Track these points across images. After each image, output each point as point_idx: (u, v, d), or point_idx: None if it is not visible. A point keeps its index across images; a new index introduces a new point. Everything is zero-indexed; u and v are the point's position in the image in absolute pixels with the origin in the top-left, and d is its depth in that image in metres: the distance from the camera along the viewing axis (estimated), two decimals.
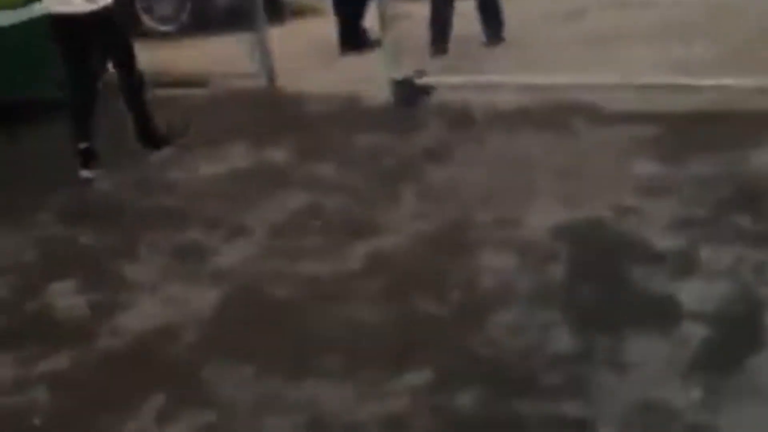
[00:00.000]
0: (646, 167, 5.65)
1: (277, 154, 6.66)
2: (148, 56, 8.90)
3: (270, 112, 7.69)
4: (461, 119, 6.90)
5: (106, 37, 6.66)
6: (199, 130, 7.29)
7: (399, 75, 7.39)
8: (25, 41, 7.58)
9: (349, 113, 7.40)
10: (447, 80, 7.48)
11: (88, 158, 6.63)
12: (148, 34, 10.25)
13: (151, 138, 6.90)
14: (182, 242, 5.48)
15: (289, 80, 8.23)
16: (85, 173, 6.59)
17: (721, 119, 6.16)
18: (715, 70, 6.68)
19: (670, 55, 7.20)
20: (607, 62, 7.05)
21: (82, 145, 6.62)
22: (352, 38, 8.99)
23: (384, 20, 7.41)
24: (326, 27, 10.18)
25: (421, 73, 7.43)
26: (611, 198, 5.30)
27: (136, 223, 5.81)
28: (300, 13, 10.99)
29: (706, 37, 7.67)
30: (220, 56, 8.83)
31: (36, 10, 7.35)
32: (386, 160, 6.35)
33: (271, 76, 8.25)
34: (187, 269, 5.14)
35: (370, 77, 7.75)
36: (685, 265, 4.52)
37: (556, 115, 6.67)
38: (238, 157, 6.71)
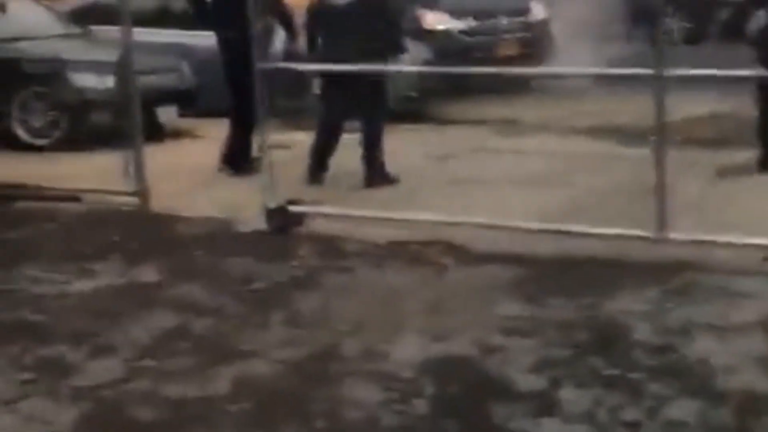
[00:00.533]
0: (510, 307, 5.82)
1: (148, 274, 6.65)
2: (20, 169, 8.92)
3: (143, 231, 7.68)
4: (333, 250, 7.01)
5: None
6: (70, 246, 7.25)
7: (273, 202, 7.49)
8: None
9: (222, 237, 7.45)
10: (320, 210, 7.61)
11: None
12: (22, 147, 10.23)
13: None
14: (45, 357, 5.39)
15: (164, 200, 8.26)
16: None
17: (581, 265, 6.41)
18: (575, 218, 6.98)
19: (537, 200, 7.50)
20: (475, 204, 7.29)
21: None
22: (236, 157, 9.09)
23: (263, 147, 7.53)
24: (203, 149, 10.32)
25: (295, 202, 7.55)
26: (477, 336, 5.43)
27: None
28: (177, 134, 11.09)
29: (568, 186, 8.04)
30: (94, 172, 8.82)
31: None
32: (256, 285, 6.40)
33: (145, 195, 8.26)
34: (49, 385, 5.06)
35: (244, 203, 7.84)
36: (545, 405, 4.65)
37: (425, 252, 6.83)
38: (108, 274, 6.67)
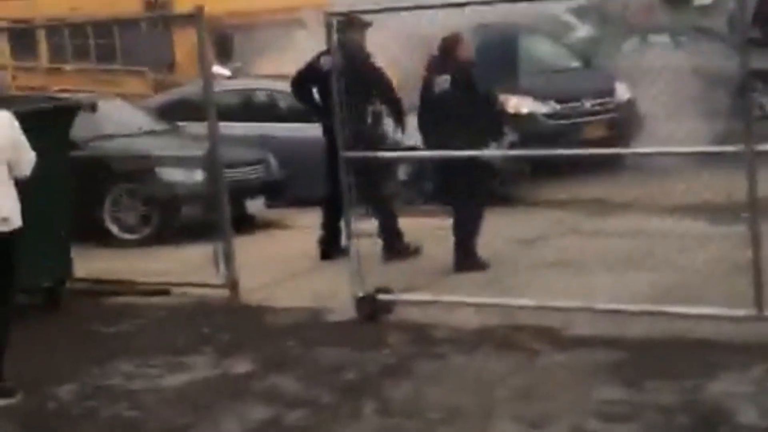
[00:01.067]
0: (607, 392, 5.71)
1: (240, 366, 6.66)
2: (113, 265, 9.05)
3: (233, 323, 7.71)
4: (423, 337, 6.96)
5: (9, 261, 6.31)
6: (162, 340, 7.31)
7: (362, 291, 7.48)
8: None
9: (312, 327, 7.45)
10: (409, 298, 7.57)
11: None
12: (113, 243, 10.39)
13: None
14: None
15: (254, 292, 8.30)
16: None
17: (678, 346, 6.28)
18: (668, 298, 6.85)
19: (629, 282, 7.38)
20: (566, 287, 7.19)
21: None
22: (330, 245, 9.12)
23: (350, 236, 7.55)
24: (291, 239, 10.38)
25: (384, 290, 7.53)
26: (574, 421, 5.32)
27: None
28: (266, 225, 11.18)
29: (660, 266, 7.90)
30: (185, 266, 8.91)
31: None
32: (347, 375, 6.36)
33: (235, 287, 8.31)
34: None
35: (333, 292, 7.84)
36: None
37: (517, 337, 6.75)
38: (200, 367, 6.70)
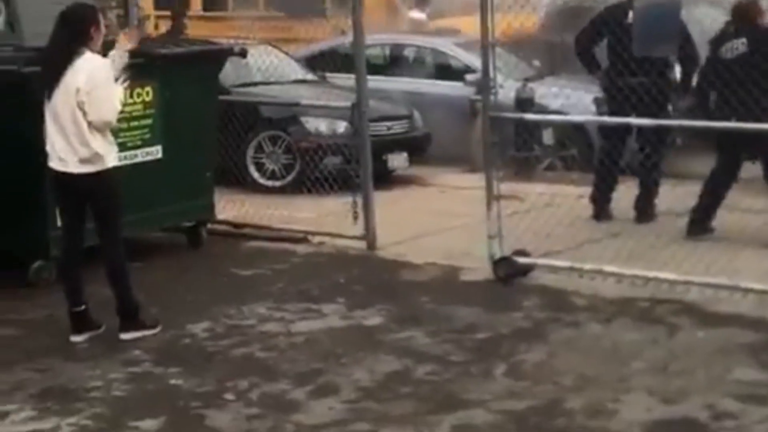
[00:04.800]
0: (746, 372, 5.54)
1: (373, 318, 6.67)
2: (254, 210, 9.16)
3: (368, 275, 7.72)
4: (560, 303, 6.86)
5: (97, 201, 6.27)
6: (298, 286, 7.36)
7: (500, 252, 7.40)
8: None
9: (447, 285, 7.41)
10: (547, 262, 7.46)
11: (77, 322, 6.32)
12: (255, 189, 10.52)
13: (124, 317, 6.33)
14: (271, 394, 5.45)
15: (390, 246, 8.30)
16: (74, 338, 6.29)
17: None
18: None
19: None
20: (713, 263, 6.98)
21: (73, 309, 6.31)
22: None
23: (490, 198, 7.46)
24: (431, 197, 10.34)
25: (522, 253, 7.44)
26: (708, 399, 5.18)
27: (227, 370, 5.81)
28: (407, 181, 11.17)
29: None
30: (324, 216, 8.95)
31: None
32: (479, 335, 6.32)
33: (372, 240, 8.33)
34: (272, 421, 5.10)
35: (470, 251, 7.78)
36: None
37: (657, 310, 6.61)
38: (332, 316, 6.73)
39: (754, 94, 7.64)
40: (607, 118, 9.00)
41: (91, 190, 6.23)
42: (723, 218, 8.15)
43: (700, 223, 8.22)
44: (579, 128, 10.98)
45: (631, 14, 8.53)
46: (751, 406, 5.09)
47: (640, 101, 8.36)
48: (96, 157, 6.14)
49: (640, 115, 8.27)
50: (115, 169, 6.29)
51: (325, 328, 6.54)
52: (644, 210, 8.90)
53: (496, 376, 5.66)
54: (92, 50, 6.16)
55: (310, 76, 12.35)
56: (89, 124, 6.09)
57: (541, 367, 5.78)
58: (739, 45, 8.12)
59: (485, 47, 7.48)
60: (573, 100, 10.52)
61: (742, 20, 8.24)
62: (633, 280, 7.03)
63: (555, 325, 6.45)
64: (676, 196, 8.58)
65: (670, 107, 8.88)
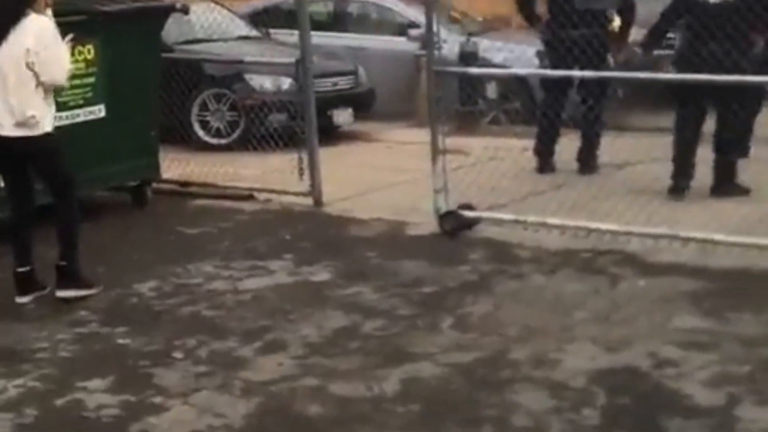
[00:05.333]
0: (688, 320, 5.64)
1: (320, 274, 6.70)
2: (199, 168, 9.14)
3: (315, 231, 7.74)
4: (505, 255, 6.93)
5: (36, 164, 6.22)
6: (244, 244, 7.38)
7: (446, 207, 7.45)
8: None
9: (393, 239, 7.46)
10: (492, 215, 7.53)
11: (23, 283, 6.26)
12: (200, 147, 10.48)
13: (64, 275, 6.26)
14: (219, 352, 5.48)
15: (337, 202, 8.33)
16: (20, 299, 6.24)
17: (766, 279, 6.16)
18: (763, 230, 6.70)
19: (719, 211, 7.25)
20: (654, 214, 7.09)
21: (19, 270, 6.26)
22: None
23: (435, 153, 7.49)
24: (376, 153, 10.37)
25: (468, 206, 7.49)
26: (650, 347, 5.27)
27: (174, 329, 5.82)
28: (352, 137, 11.18)
29: (758, 196, 7.74)
30: (269, 173, 8.95)
31: None
32: (426, 289, 6.37)
33: (318, 196, 8.35)
34: (222, 379, 5.13)
35: (416, 206, 7.83)
36: (721, 422, 4.47)
37: (599, 261, 6.70)
38: (280, 273, 6.75)
39: (726, 46, 7.60)
40: (548, 71, 9.08)
41: (28, 154, 6.18)
42: (661, 169, 8.23)
43: (674, 183, 8.12)
44: (522, 81, 11.06)
45: None
46: (692, 353, 5.19)
47: (581, 53, 8.42)
48: (32, 120, 6.07)
49: (581, 67, 8.33)
50: (53, 131, 6.23)
51: (272, 285, 6.56)
52: (587, 162, 9.00)
53: (443, 329, 5.72)
54: (37, 11, 6.08)
55: (253, 33, 12.30)
56: (38, 84, 6.03)
57: (487, 319, 5.85)
58: None
59: (428, 2, 7.49)
60: (516, 53, 10.60)
61: None
62: (576, 232, 7.12)
63: (500, 278, 6.52)
64: (618, 148, 8.68)
65: (610, 59, 8.95)
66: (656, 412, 4.59)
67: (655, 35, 8.35)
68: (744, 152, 8.24)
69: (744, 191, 7.90)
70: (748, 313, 5.65)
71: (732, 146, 8.02)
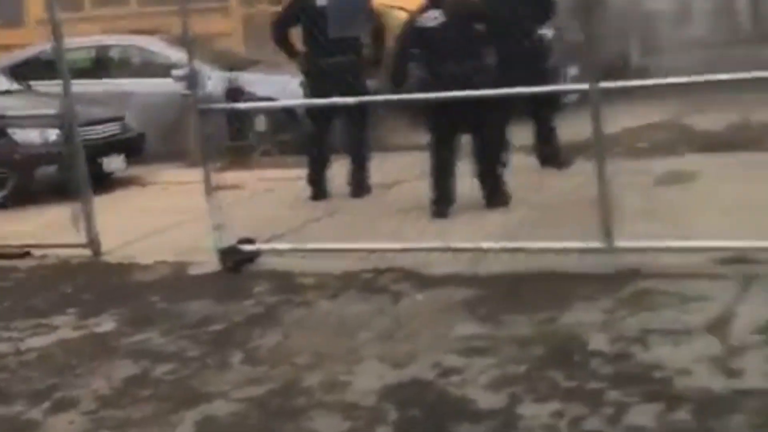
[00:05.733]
0: (466, 328, 5.87)
1: (105, 324, 6.64)
2: None
3: (96, 281, 7.66)
4: (288, 285, 7.04)
5: None
6: (25, 302, 7.24)
7: (224, 243, 7.52)
8: None
9: (176, 281, 7.46)
10: (272, 247, 7.64)
11: None
12: None
13: None
14: (4, 418, 5.36)
15: (116, 250, 8.27)
16: None
17: (534, 280, 6.47)
18: (525, 234, 7.07)
19: (485, 221, 7.58)
20: (425, 229, 7.36)
21: None
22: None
23: (209, 190, 7.55)
24: (152, 197, 10.32)
25: (247, 240, 7.58)
26: (434, 358, 5.46)
27: None
28: (126, 183, 11.10)
29: (518, 203, 8.13)
30: (44, 227, 8.80)
31: None
32: (214, 327, 6.40)
33: (96, 246, 8.26)
34: None
35: (197, 245, 7.86)
36: (505, 422, 4.69)
37: (380, 280, 6.89)
38: (64, 328, 6.66)
39: (450, 67, 7.95)
40: (312, 101, 9.23)
41: None
42: (426, 185, 8.49)
43: (435, 205, 8.31)
44: (289, 112, 11.22)
45: None
46: (473, 359, 5.41)
47: (340, 80, 8.62)
48: None
49: (341, 94, 8.52)
50: None
51: (57, 341, 6.46)
52: (358, 185, 9.23)
53: (234, 365, 5.78)
54: None
55: (15, 86, 12.03)
56: None
57: (277, 349, 5.94)
58: (437, 14, 8.37)
59: (187, 42, 7.56)
60: (281, 85, 10.75)
61: None
62: (355, 254, 7.30)
63: (286, 307, 6.63)
64: (387, 168, 8.94)
65: (369, 83, 9.21)
66: (445, 420, 4.77)
67: (398, 69, 8.55)
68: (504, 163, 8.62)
69: (508, 199, 8.24)
70: (520, 314, 5.94)
71: (494, 160, 8.35)
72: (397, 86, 8.23)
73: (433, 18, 8.34)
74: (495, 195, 8.25)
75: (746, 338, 5.23)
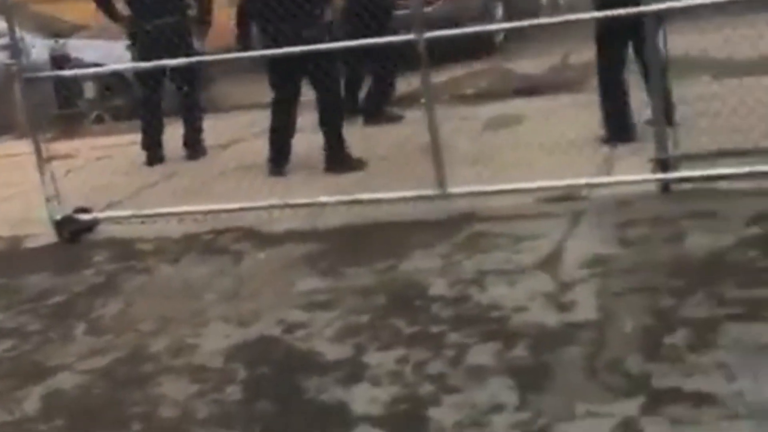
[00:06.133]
0: (309, 283, 5.95)
1: None
2: None
3: None
4: (128, 252, 7.00)
5: None
6: None
7: (60, 213, 7.41)
8: None
9: (13, 256, 7.33)
10: (110, 214, 7.56)
11: None
12: None
13: None
14: None
15: None
16: None
17: (372, 231, 6.59)
18: (363, 186, 7.17)
19: (323, 176, 7.66)
20: (264, 187, 7.38)
21: None
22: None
23: (40, 161, 7.41)
24: None
25: (83, 209, 7.48)
26: (278, 315, 5.54)
27: None
28: None
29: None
30: None
31: None
32: (54, 299, 6.34)
33: None
34: None
35: (32, 218, 7.72)
36: (352, 372, 4.80)
37: (220, 241, 6.91)
38: None
39: (288, 23, 7.88)
40: (141, 64, 9.08)
41: None
42: (264, 143, 8.51)
43: (272, 162, 8.23)
44: (119, 77, 11.04)
45: None
46: (317, 313, 5.50)
47: (167, 42, 8.53)
48: None
49: (170, 56, 8.39)
50: None
51: None
52: (193, 147, 9.18)
53: (77, 337, 5.73)
54: None
55: None
56: None
57: (120, 318, 5.92)
58: None
59: (7, 8, 7.38)
60: (108, 50, 10.55)
61: None
62: (194, 217, 7.30)
63: (127, 275, 6.59)
64: (221, 129, 8.91)
65: (197, 44, 9.12)
66: (294, 375, 4.86)
67: (241, 32, 8.47)
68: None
69: (359, 164, 8.09)
70: (360, 266, 6.04)
71: (333, 117, 8.29)
72: (245, 48, 8.19)
73: None
74: (334, 159, 8.19)
75: (575, 273, 5.45)
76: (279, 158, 8.20)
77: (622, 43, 7.40)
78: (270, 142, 8.23)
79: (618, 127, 7.47)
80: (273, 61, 7.91)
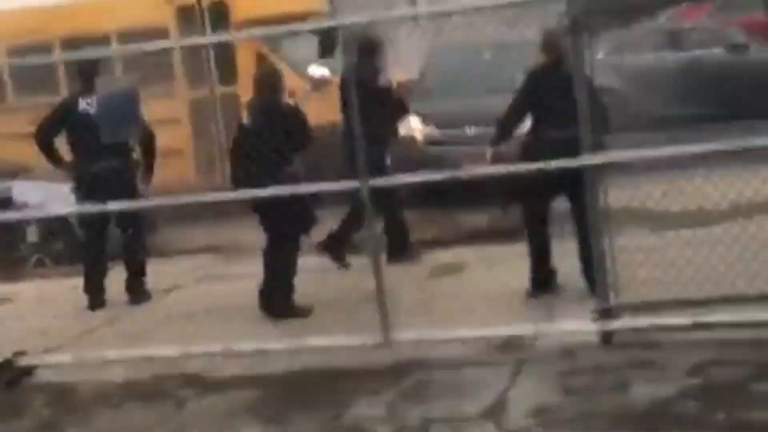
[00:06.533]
0: (252, 430, 5.89)
1: None
2: None
3: None
4: (68, 397, 6.88)
5: None
6: None
7: None
8: None
9: None
10: (50, 360, 7.46)
11: None
12: None
13: None
14: None
15: None
16: None
17: (317, 378, 6.57)
18: (308, 331, 7.17)
19: (268, 320, 7.67)
20: (209, 333, 7.35)
21: None
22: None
23: None
24: None
25: (22, 354, 7.38)
26: None
27: None
28: None
29: (300, 300, 8.22)
30: None
31: None
32: None
33: None
34: None
35: None
36: None
37: (163, 386, 6.83)
38: None
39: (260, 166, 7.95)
40: (85, 207, 9.00)
41: None
42: (209, 288, 8.52)
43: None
44: (62, 221, 10.99)
45: (81, 102, 8.78)
46: None
47: (111, 186, 8.53)
48: None
49: (115, 199, 8.34)
50: None
51: None
52: (136, 291, 9.11)
53: None
54: None
55: None
56: None
57: None
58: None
59: None
60: (52, 193, 10.52)
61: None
62: (137, 362, 7.22)
63: (66, 421, 6.47)
64: (163, 273, 8.88)
65: (141, 187, 9.13)
66: None
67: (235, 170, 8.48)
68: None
69: (304, 311, 8.04)
70: (305, 413, 6.01)
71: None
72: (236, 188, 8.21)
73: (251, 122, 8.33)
74: (278, 306, 8.16)
75: (520, 422, 5.47)
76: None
77: (545, 199, 7.61)
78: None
79: (537, 281, 7.63)
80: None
